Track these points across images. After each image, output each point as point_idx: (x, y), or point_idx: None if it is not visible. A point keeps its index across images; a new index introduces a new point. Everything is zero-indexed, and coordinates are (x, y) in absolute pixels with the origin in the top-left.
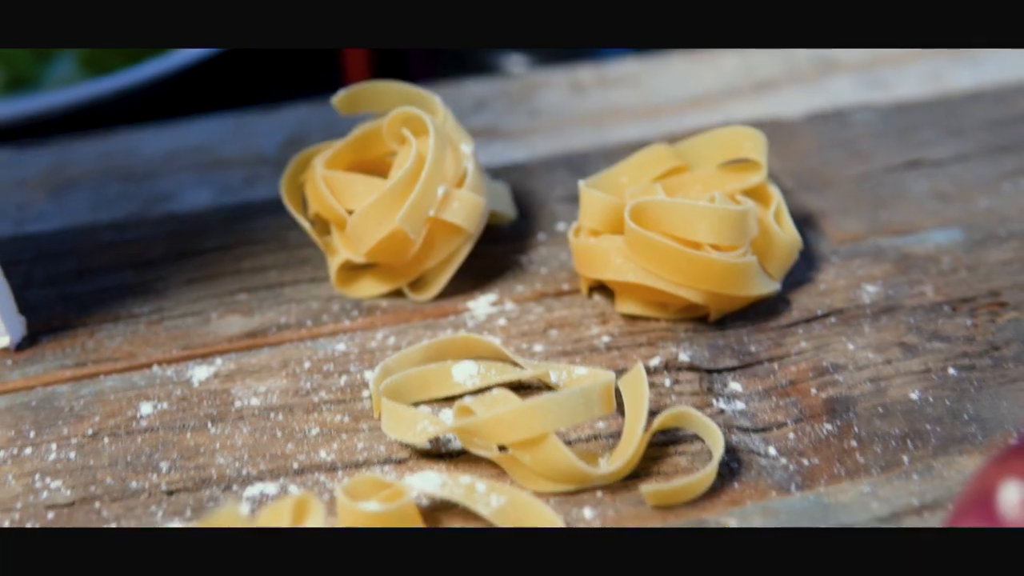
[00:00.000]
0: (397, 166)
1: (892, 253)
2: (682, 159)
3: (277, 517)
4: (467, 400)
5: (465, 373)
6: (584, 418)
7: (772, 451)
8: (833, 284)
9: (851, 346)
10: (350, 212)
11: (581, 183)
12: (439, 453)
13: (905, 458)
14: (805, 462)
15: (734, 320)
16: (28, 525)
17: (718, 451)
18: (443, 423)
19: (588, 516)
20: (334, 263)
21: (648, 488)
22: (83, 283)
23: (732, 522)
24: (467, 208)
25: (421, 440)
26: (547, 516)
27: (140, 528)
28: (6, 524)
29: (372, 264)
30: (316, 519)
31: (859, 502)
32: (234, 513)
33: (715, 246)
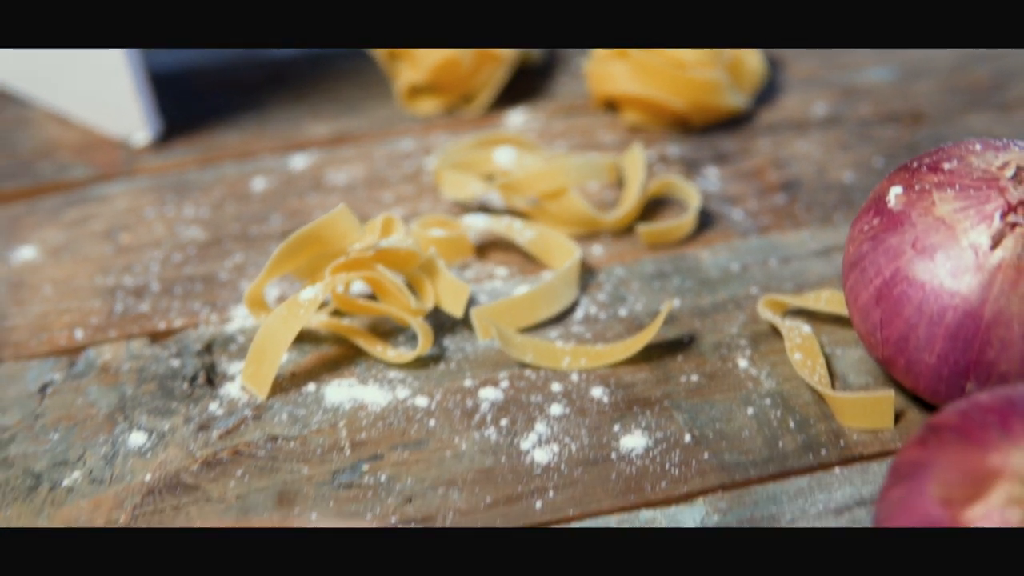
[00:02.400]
0: None
1: (840, 84)
2: None
3: (372, 228)
4: (506, 165)
5: (505, 156)
6: (594, 178)
7: (737, 214)
8: (792, 105)
9: (802, 146)
10: None
11: None
12: (485, 210)
13: (837, 217)
14: (762, 220)
15: (713, 129)
16: (174, 256)
17: (696, 204)
18: (488, 184)
19: (597, 252)
20: (401, 83)
21: (643, 227)
22: (201, 102)
23: (705, 255)
24: None
25: (472, 196)
26: (567, 246)
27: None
28: (156, 254)
29: (430, 87)
30: (399, 233)
31: (799, 242)
32: (346, 211)
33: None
